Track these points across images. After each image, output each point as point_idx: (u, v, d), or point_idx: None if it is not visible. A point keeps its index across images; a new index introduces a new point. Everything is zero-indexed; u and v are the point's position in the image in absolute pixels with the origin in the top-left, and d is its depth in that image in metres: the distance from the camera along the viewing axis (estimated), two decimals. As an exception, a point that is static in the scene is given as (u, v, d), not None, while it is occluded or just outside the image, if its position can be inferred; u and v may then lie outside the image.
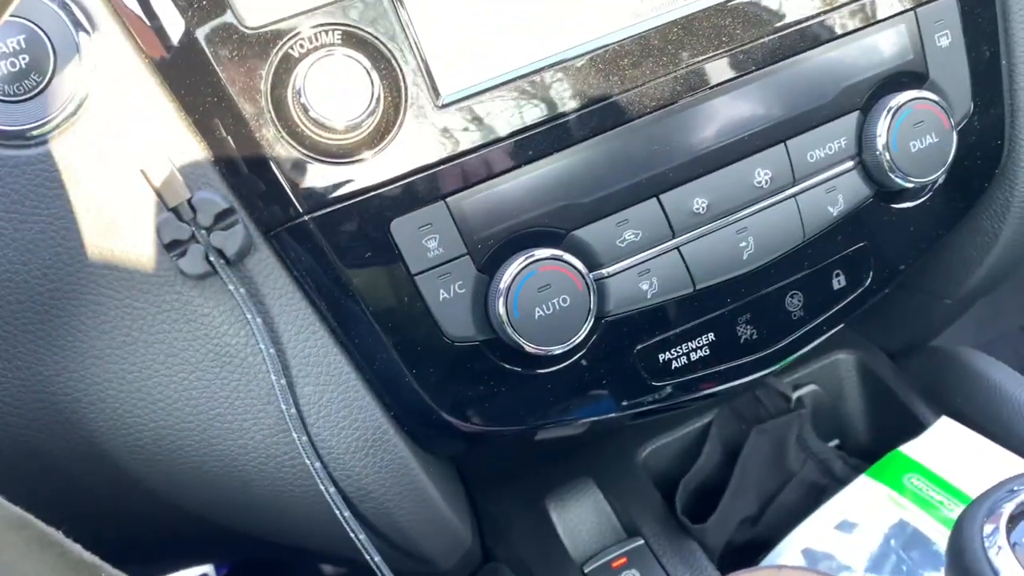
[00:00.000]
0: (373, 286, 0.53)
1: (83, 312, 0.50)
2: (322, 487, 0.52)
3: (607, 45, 0.54)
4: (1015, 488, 0.39)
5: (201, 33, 0.49)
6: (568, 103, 0.54)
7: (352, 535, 0.50)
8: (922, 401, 0.79)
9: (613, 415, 0.59)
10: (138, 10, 0.50)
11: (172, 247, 0.50)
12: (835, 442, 0.84)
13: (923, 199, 0.63)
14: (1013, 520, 0.38)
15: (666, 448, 0.80)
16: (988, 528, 0.37)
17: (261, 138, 0.50)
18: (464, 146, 0.53)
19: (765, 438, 0.79)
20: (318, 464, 0.51)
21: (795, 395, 0.82)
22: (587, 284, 0.54)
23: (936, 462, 0.71)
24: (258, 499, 0.56)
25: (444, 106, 0.52)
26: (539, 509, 0.76)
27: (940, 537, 0.67)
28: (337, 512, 0.50)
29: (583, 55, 0.54)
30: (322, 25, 0.50)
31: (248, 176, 0.51)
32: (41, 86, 0.49)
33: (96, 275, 0.50)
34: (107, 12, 0.50)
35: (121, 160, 0.49)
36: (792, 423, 0.79)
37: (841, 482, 0.76)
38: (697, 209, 0.57)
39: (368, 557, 0.48)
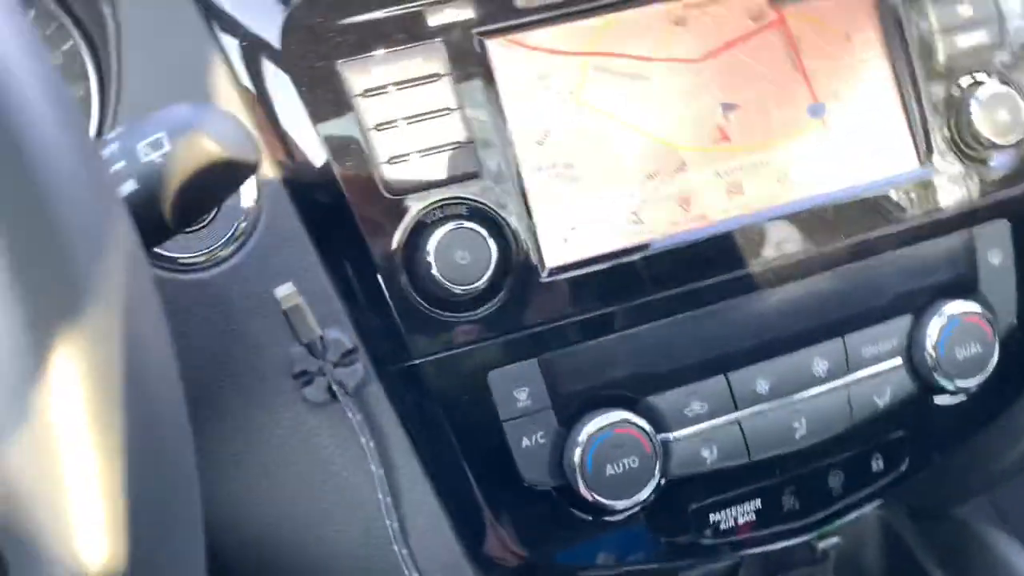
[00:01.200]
0: (466, 427, 0.59)
1: (217, 427, 0.57)
2: None
3: (695, 239, 0.61)
4: None
5: (351, 195, 0.57)
6: (654, 287, 0.61)
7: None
8: (939, 569, 0.83)
9: (660, 564, 0.65)
10: (292, 165, 0.57)
11: (300, 376, 0.57)
12: (854, 595, 0.89)
13: (964, 398, 0.69)
14: None
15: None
16: None
17: (389, 288, 0.57)
18: (560, 313, 0.60)
19: (789, 586, 0.83)
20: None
21: (820, 546, 0.86)
22: (655, 447, 0.60)
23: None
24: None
25: (548, 276, 0.59)
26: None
27: None
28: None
29: (669, 249, 0.61)
30: (454, 199, 0.58)
31: (373, 320, 0.58)
32: (206, 222, 0.56)
33: (231, 395, 0.57)
34: (266, 160, 0.58)
35: (268, 296, 0.56)
36: (816, 574, 0.84)
37: (856, 637, 0.80)
38: (760, 389, 0.63)
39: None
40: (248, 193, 0.56)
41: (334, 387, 0.57)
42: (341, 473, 0.59)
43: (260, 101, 0.58)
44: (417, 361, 0.58)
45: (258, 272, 0.57)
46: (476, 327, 0.58)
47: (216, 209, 0.56)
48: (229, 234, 0.57)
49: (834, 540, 0.88)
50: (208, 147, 0.40)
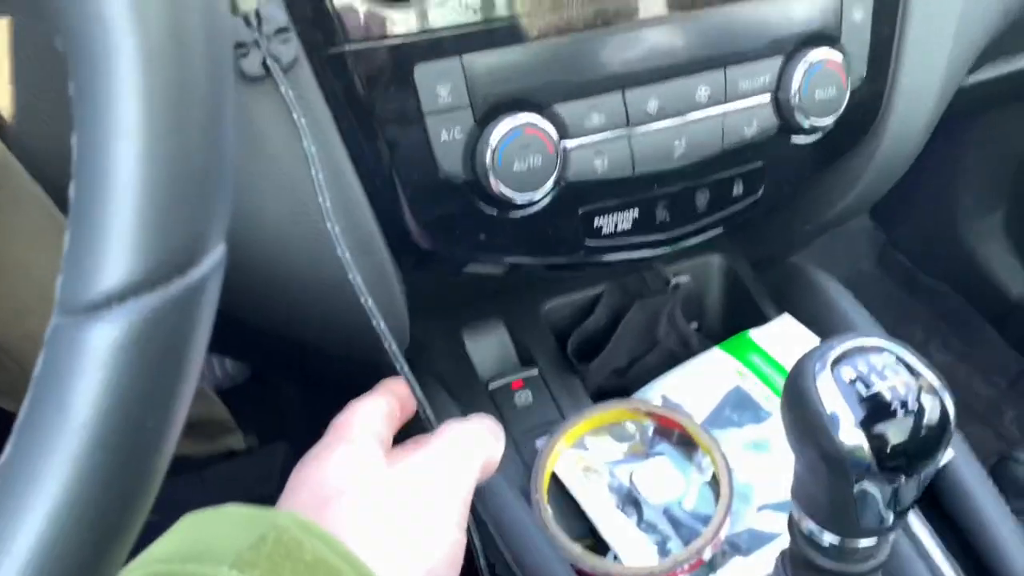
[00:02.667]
0: (389, 117, 0.64)
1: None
2: (341, 254, 0.61)
3: None
4: (842, 339, 0.54)
5: None
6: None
7: (364, 302, 0.60)
8: (770, 301, 0.98)
9: (547, 260, 0.74)
10: None
11: (237, 47, 0.59)
12: (694, 325, 1.03)
13: (814, 137, 0.79)
14: (836, 362, 0.53)
15: (564, 306, 0.96)
16: (818, 364, 0.53)
17: (322, -28, 0.59)
18: (488, 15, 0.64)
19: (644, 309, 0.96)
20: (346, 254, 0.61)
21: (673, 280, 0.99)
22: (556, 150, 0.68)
23: (774, 347, 0.90)
24: (261, 275, 0.67)
25: (476, -20, 0.63)
26: (456, 337, 0.90)
27: (765, 401, 0.86)
28: (352, 277, 0.60)
29: None
30: None
31: (306, 3, 0.60)
32: None
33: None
34: None
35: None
36: (666, 302, 0.96)
37: (695, 354, 0.94)
38: (649, 109, 0.71)
39: (375, 322, 0.60)
40: None
41: (268, 60, 0.59)
42: (271, 151, 0.62)
43: None
44: (348, 48, 0.62)
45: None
46: (406, 20, 0.62)
47: None
48: None
49: (684, 277, 1.02)
50: None
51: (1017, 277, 1.80)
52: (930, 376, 0.51)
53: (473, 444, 0.59)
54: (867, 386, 0.51)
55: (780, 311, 0.96)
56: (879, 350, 0.53)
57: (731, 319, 1.02)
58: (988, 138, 1.66)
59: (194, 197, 0.36)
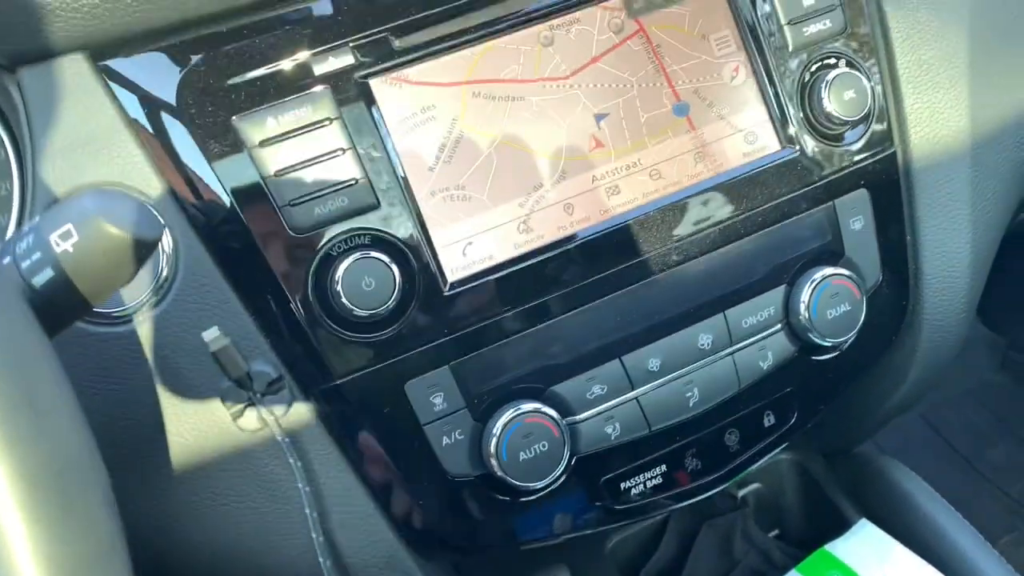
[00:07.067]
0: (390, 435, 0.66)
1: (160, 458, 0.62)
2: None
3: (580, 240, 0.68)
4: None
5: (259, 238, 0.62)
6: (547, 287, 0.67)
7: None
8: (847, 500, 0.92)
9: (581, 532, 0.73)
10: (202, 216, 0.63)
11: (232, 408, 0.62)
12: (775, 532, 0.98)
13: (839, 352, 0.76)
14: None
15: (630, 540, 0.93)
16: None
17: (304, 319, 0.63)
18: (465, 321, 0.66)
19: (714, 531, 0.92)
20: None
21: (740, 493, 0.95)
22: (562, 431, 0.67)
23: (855, 561, 0.84)
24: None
25: (449, 290, 0.65)
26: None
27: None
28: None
29: (558, 252, 0.67)
30: (355, 231, 0.63)
31: (293, 348, 0.64)
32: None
33: (171, 428, 0.62)
34: (178, 213, 0.63)
35: (191, 338, 0.62)
36: (738, 518, 0.92)
37: (780, 569, 0.89)
38: (652, 367, 0.70)
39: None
40: (167, 242, 0.62)
41: (264, 416, 0.62)
42: (284, 491, 0.65)
43: (165, 158, 0.62)
44: (338, 381, 0.64)
45: (184, 316, 0.62)
46: (389, 344, 0.64)
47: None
48: (154, 283, 0.62)
49: (754, 486, 0.97)
50: (111, 232, 0.46)
51: None
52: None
53: None
54: None
55: (859, 510, 0.90)
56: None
57: (812, 521, 0.96)
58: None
59: None
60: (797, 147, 0.73)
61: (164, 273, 0.62)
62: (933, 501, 0.86)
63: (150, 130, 0.62)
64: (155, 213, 0.61)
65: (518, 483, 0.67)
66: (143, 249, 0.47)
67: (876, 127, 0.75)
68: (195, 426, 0.63)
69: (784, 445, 0.77)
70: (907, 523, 0.86)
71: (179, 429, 0.63)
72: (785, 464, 0.97)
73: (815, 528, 0.95)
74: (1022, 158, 0.82)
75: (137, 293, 0.62)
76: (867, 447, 0.98)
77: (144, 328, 0.62)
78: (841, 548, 0.86)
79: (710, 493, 0.77)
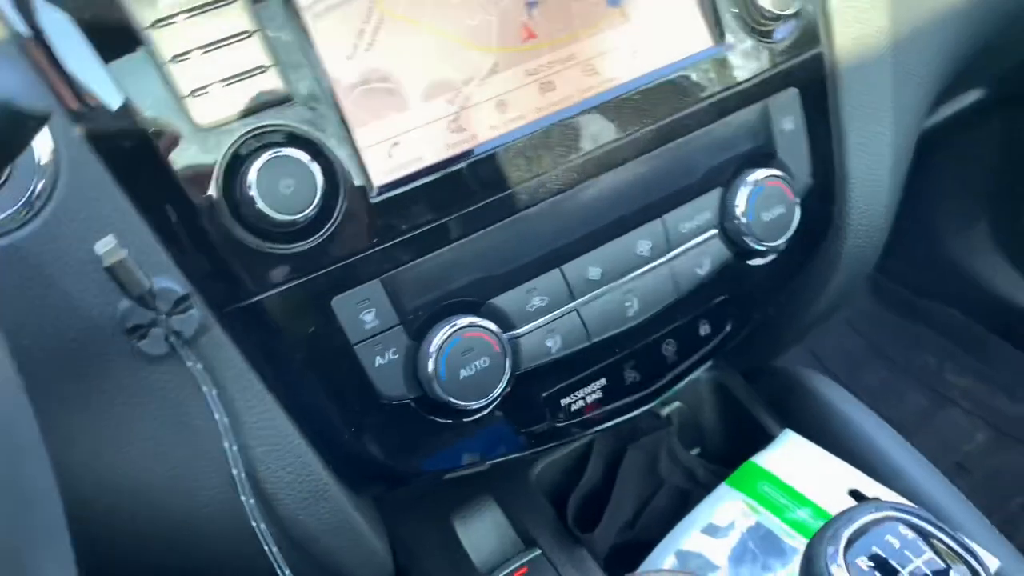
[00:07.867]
0: (317, 357, 0.59)
1: (54, 397, 0.54)
2: (266, 547, 0.57)
3: (513, 141, 0.62)
4: (853, 517, 0.50)
5: (156, 136, 0.54)
6: (482, 192, 0.62)
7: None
8: (768, 414, 0.92)
9: (523, 453, 0.69)
10: (88, 113, 0.54)
11: (133, 331, 0.54)
12: (697, 450, 0.97)
13: (772, 257, 0.75)
14: (849, 542, 0.48)
15: (555, 465, 0.90)
16: (831, 549, 0.48)
17: (214, 228, 0.55)
18: (396, 230, 0.60)
19: (640, 452, 0.90)
20: (262, 526, 0.57)
21: (664, 412, 0.93)
22: (503, 345, 0.63)
23: (783, 471, 0.84)
24: (206, 551, 0.61)
25: (377, 196, 0.59)
26: (445, 526, 0.84)
27: (786, 535, 0.80)
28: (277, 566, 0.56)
29: (491, 151, 0.62)
30: (268, 127, 0.56)
31: (202, 262, 0.56)
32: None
33: (65, 361, 0.54)
34: (58, 109, 0.53)
35: (83, 254, 0.53)
36: (662, 438, 0.91)
37: (704, 486, 0.88)
38: (592, 276, 0.67)
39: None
40: (44, 148, 0.52)
41: (170, 338, 0.55)
42: (195, 422, 0.57)
43: (41, 47, 0.53)
44: (256, 299, 0.57)
45: (69, 230, 0.53)
46: (313, 255, 0.58)
47: (8, 171, 0.52)
48: (27, 196, 0.53)
49: (676, 405, 0.96)
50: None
51: (1016, 285, 1.75)
52: (953, 544, 0.45)
53: None
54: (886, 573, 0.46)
55: (781, 421, 0.90)
56: (893, 521, 0.48)
57: (733, 438, 0.96)
58: (961, 157, 1.63)
59: None
60: (729, 43, 0.70)
61: (41, 182, 0.53)
62: (852, 406, 0.87)
63: (22, 14, 0.53)
64: (40, 83, 0.51)
65: (459, 402, 0.62)
66: (28, 123, 0.39)
67: (805, 23, 0.73)
68: (92, 356, 0.54)
69: (718, 354, 0.75)
70: (829, 429, 0.86)
71: (73, 362, 0.54)
72: (704, 383, 0.96)
73: (735, 444, 0.94)
74: (938, 62, 0.82)
75: (8, 204, 0.53)
76: (784, 360, 0.98)
77: (21, 244, 0.53)
78: (767, 458, 0.86)
79: (648, 406, 0.74)
